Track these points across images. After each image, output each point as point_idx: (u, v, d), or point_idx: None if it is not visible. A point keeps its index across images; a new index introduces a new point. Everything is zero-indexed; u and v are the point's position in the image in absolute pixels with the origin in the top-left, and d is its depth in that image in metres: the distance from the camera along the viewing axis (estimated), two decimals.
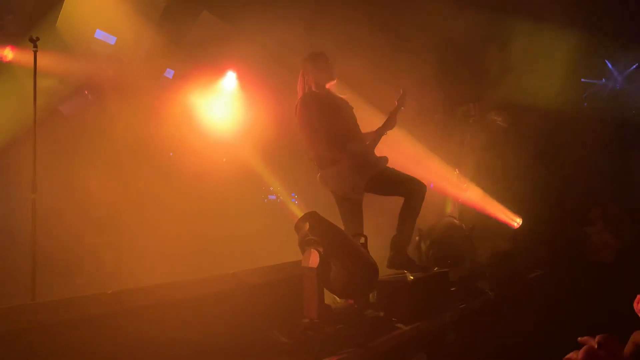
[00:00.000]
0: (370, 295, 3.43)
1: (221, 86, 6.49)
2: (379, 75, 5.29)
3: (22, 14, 5.14)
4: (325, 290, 3.03)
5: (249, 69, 6.32)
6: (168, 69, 6.29)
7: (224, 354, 2.71)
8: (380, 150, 3.79)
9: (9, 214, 4.04)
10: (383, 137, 3.80)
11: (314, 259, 2.93)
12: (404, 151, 5.58)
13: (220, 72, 6.42)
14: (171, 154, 6.02)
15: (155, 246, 5.06)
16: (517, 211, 6.04)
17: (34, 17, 4.93)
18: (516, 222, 6.09)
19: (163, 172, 5.61)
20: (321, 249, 2.94)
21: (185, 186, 5.58)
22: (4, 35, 5.13)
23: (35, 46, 3.77)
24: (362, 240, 3.38)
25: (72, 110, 5.48)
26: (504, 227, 5.99)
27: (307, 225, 3.03)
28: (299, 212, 5.88)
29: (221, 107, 6.44)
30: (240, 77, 6.50)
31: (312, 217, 3.09)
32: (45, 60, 3.90)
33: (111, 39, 5.68)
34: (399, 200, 3.66)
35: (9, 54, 5.12)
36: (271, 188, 6.85)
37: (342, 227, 3.52)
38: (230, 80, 6.53)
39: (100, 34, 5.59)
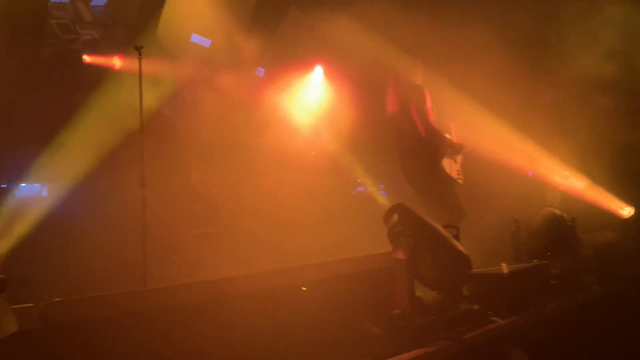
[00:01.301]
0: (464, 288, 3.35)
1: (309, 81, 6.63)
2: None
3: (128, 25, 5.58)
4: (416, 282, 3.01)
5: (336, 63, 6.38)
6: (259, 68, 6.54)
7: (316, 342, 2.80)
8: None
9: (122, 209, 4.44)
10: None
11: (403, 250, 2.93)
12: (500, 138, 5.38)
13: (308, 67, 6.54)
14: (263, 149, 6.25)
15: (250, 237, 5.30)
16: (629, 200, 5.57)
17: (138, 26, 5.33)
18: (626, 211, 5.61)
19: (256, 166, 5.84)
20: (411, 241, 2.92)
21: (276, 179, 5.76)
22: (114, 45, 5.62)
23: (139, 53, 4.08)
24: (455, 232, 3.31)
25: (172, 111, 5.87)
26: (613, 216, 5.55)
27: (395, 217, 3.03)
28: (386, 204, 5.85)
29: (309, 101, 6.57)
30: (328, 72, 6.58)
31: (400, 208, 3.08)
32: (148, 66, 4.20)
33: (206, 42, 6.01)
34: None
35: (117, 62, 5.59)
36: (359, 180, 6.89)
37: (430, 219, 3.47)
38: (318, 75, 6.64)
39: (196, 38, 5.94)
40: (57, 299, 2.47)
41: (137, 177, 3.91)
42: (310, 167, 6.03)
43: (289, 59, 6.33)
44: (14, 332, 1.97)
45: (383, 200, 6.56)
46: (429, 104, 4.26)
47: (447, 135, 4.53)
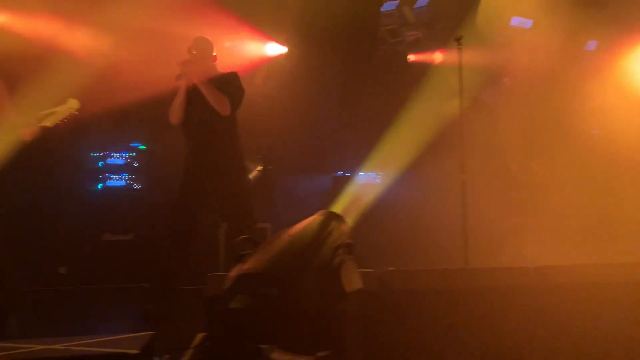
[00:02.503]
0: None
1: None
2: None
3: (449, 20, 5.84)
4: None
5: None
6: (590, 41, 5.87)
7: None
8: None
9: (444, 191, 4.79)
10: None
11: None
12: None
13: None
14: (596, 131, 5.61)
15: (572, 229, 4.90)
16: None
17: (457, 19, 5.52)
18: None
19: (587, 151, 5.31)
20: None
21: (610, 165, 5.11)
22: (435, 41, 5.98)
23: (459, 44, 4.24)
24: None
25: (491, 97, 5.86)
26: None
27: None
28: None
29: None
30: None
31: None
32: (468, 56, 4.32)
33: (527, 23, 5.75)
34: None
35: (438, 57, 5.93)
36: None
37: None
38: None
39: (516, 21, 5.75)
40: (391, 268, 2.85)
41: (457, 162, 4.12)
42: None
43: (627, 26, 5.48)
44: (358, 289, 2.37)
45: None
46: None
47: None
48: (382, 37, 6.08)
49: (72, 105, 3.16)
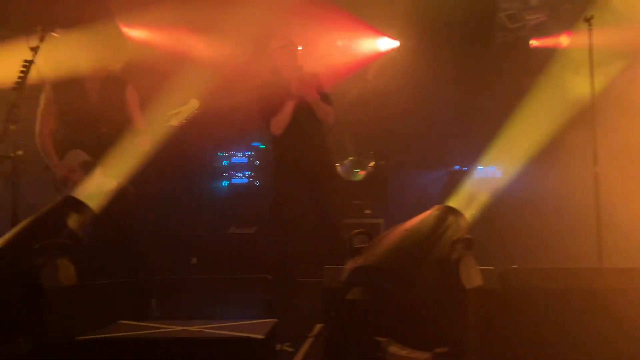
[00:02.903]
0: None
1: None
2: None
3: (577, 2, 5.37)
4: None
5: None
6: None
7: None
8: None
9: (573, 185, 4.44)
10: None
11: None
12: None
13: None
14: None
15: None
16: None
17: None
18: None
19: None
20: None
21: None
22: (561, 24, 5.53)
23: (590, 25, 3.89)
24: None
25: (626, 82, 5.28)
26: None
27: None
28: None
29: None
30: None
31: None
32: (599, 38, 3.96)
33: None
34: None
35: (565, 40, 5.48)
36: None
37: None
38: None
39: None
40: (514, 266, 2.70)
41: (589, 155, 3.80)
42: None
43: None
44: (478, 285, 2.29)
45: None
46: None
47: None
48: (500, 23, 5.77)
49: (194, 104, 3.42)
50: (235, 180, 5.83)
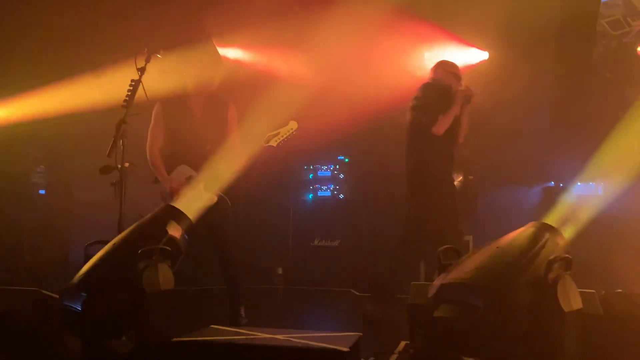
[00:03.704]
0: None
1: None
2: None
3: None
4: None
5: None
6: None
7: None
8: None
9: None
10: None
11: None
12: None
13: None
14: None
15: None
16: None
17: None
18: None
19: None
20: None
21: None
22: None
23: None
24: None
25: None
26: None
27: None
28: None
29: None
30: None
31: None
32: None
33: None
34: None
35: None
36: None
37: None
38: None
39: None
40: (618, 290, 2.50)
41: None
42: None
43: None
44: (578, 309, 2.14)
45: None
46: None
47: None
48: (602, 30, 5.42)
49: (292, 126, 3.54)
50: (320, 193, 5.92)
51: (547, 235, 2.32)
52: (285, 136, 3.52)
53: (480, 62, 5.70)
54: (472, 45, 5.67)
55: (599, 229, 4.56)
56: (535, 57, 5.48)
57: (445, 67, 4.17)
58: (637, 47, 5.28)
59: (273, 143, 3.50)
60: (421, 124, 3.97)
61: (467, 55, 5.74)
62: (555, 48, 5.41)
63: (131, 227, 2.81)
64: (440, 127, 3.94)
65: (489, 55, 5.66)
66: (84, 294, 2.43)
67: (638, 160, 4.58)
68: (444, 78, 4.12)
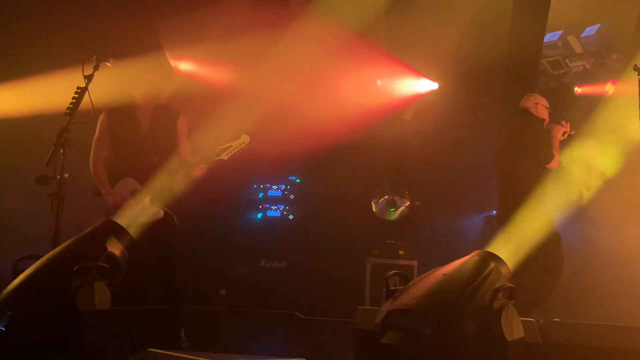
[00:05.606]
0: None
1: None
2: None
3: (624, 50, 5.31)
4: None
5: None
6: None
7: None
8: None
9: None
10: None
11: None
12: None
13: None
14: None
15: None
16: None
17: (634, 48, 4.99)
18: None
19: None
20: None
21: None
22: (606, 72, 5.45)
23: (639, 74, 3.81)
24: None
25: None
26: None
27: None
28: None
29: None
30: None
31: None
32: None
33: None
34: None
35: (610, 88, 5.38)
36: None
37: None
38: None
39: None
40: (556, 319, 2.59)
41: None
42: None
43: None
44: (520, 338, 2.19)
45: None
46: None
47: None
48: (543, 69, 5.72)
49: (245, 140, 3.48)
50: (270, 213, 5.85)
51: (492, 265, 2.37)
52: (237, 150, 3.46)
53: (430, 91, 5.86)
54: (423, 76, 5.83)
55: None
56: (482, 89, 5.71)
57: (542, 102, 4.47)
58: (574, 88, 5.60)
59: (224, 156, 3.43)
60: (539, 159, 4.22)
61: (418, 85, 5.89)
62: (502, 83, 5.66)
63: (67, 242, 2.66)
64: (556, 163, 4.27)
65: (439, 85, 5.83)
66: (9, 313, 2.26)
67: (575, 192, 4.80)
68: (542, 112, 4.41)
